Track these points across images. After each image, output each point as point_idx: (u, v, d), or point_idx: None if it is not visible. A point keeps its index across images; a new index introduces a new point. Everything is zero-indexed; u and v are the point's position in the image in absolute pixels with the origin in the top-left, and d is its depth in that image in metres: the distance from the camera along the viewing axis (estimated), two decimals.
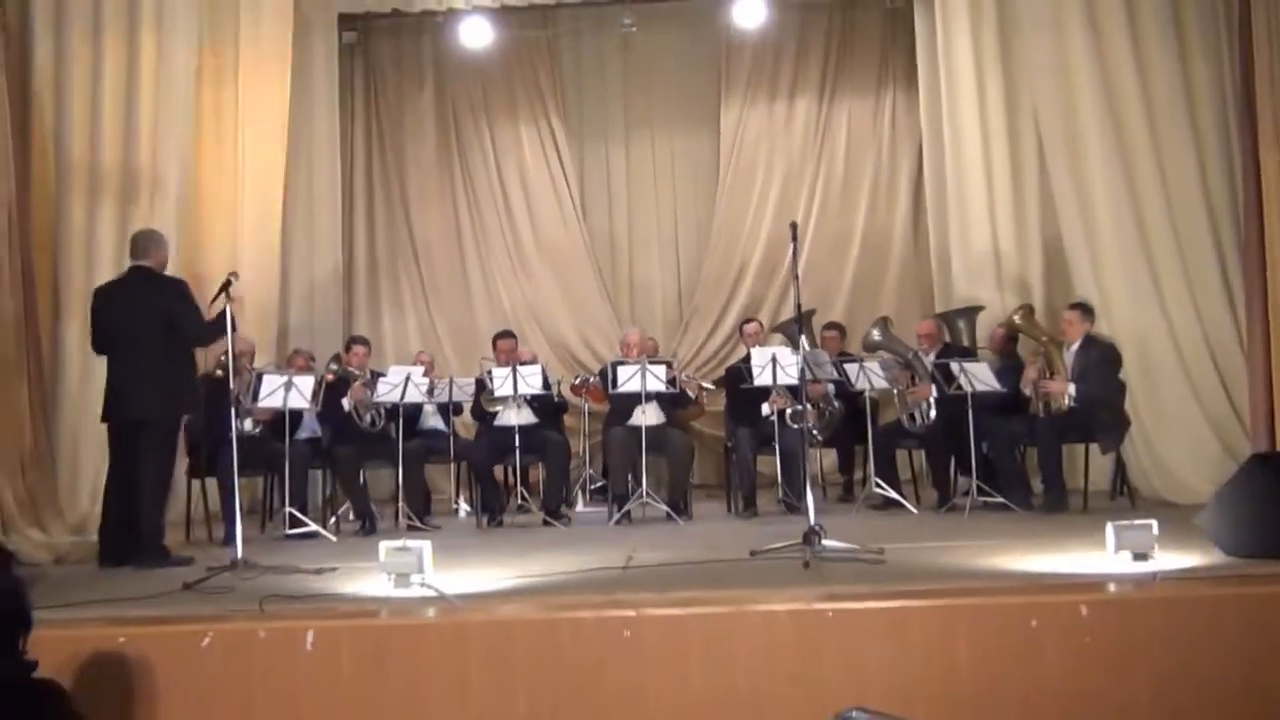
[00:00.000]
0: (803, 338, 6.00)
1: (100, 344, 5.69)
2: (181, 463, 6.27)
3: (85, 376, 6.42)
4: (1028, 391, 6.71)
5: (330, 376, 6.97)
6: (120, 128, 6.87)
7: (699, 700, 3.63)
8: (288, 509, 6.43)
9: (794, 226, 5.57)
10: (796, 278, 5.54)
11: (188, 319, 5.54)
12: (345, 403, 6.95)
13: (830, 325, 8.37)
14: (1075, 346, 6.66)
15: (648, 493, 6.71)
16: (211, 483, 6.57)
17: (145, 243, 5.71)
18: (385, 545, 4.29)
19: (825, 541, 4.80)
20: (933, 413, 6.92)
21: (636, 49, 9.96)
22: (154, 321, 5.49)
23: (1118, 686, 3.59)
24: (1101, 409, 6.48)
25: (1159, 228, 7.03)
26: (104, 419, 5.66)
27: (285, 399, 6.38)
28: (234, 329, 5.43)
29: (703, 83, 9.99)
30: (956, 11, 8.24)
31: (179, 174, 7.10)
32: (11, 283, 6.07)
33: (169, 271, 5.91)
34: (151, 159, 6.93)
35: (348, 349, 7.36)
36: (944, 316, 7.90)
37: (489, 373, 7.13)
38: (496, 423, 7.18)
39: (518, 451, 6.90)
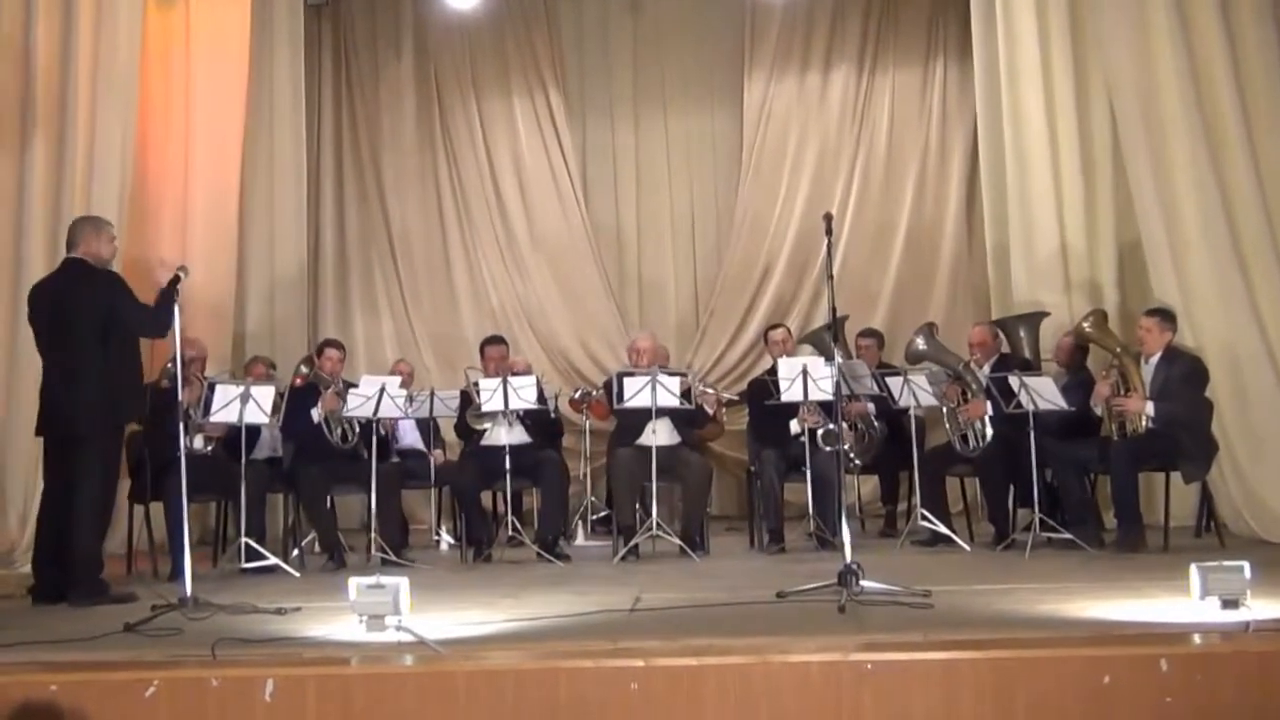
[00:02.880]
0: (837, 348, 6.01)
1: (39, 346, 5.75)
2: (123, 486, 6.30)
3: (12, 378, 6.46)
4: (1099, 411, 6.71)
5: (299, 380, 6.97)
6: (54, 96, 6.93)
7: None
8: (244, 539, 6.44)
9: (828, 218, 5.59)
10: (831, 277, 5.55)
11: (131, 309, 5.56)
12: (315, 413, 6.98)
13: (866, 332, 8.39)
14: (1155, 359, 6.65)
15: (658, 524, 6.71)
16: (157, 508, 6.58)
17: (75, 232, 5.75)
18: (356, 582, 4.30)
19: (864, 582, 4.81)
20: (988, 434, 6.93)
21: (647, 12, 10.01)
22: (88, 321, 5.52)
23: None
24: (1185, 431, 6.47)
25: (1252, 223, 7.01)
26: (38, 433, 5.71)
27: (241, 413, 6.39)
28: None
29: (724, 51, 10.04)
30: None
31: (120, 151, 7.14)
32: None
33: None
34: (89, 134, 6.98)
35: (320, 353, 7.39)
36: (1001, 323, 7.90)
37: (476, 384, 7.15)
38: (484, 442, 7.19)
39: (508, 475, 6.91)
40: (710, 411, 7.47)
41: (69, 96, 6.93)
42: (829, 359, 6.41)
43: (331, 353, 7.34)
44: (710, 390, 7.66)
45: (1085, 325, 7.15)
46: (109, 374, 5.53)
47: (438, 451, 7.81)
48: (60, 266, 5.77)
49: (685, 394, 6.93)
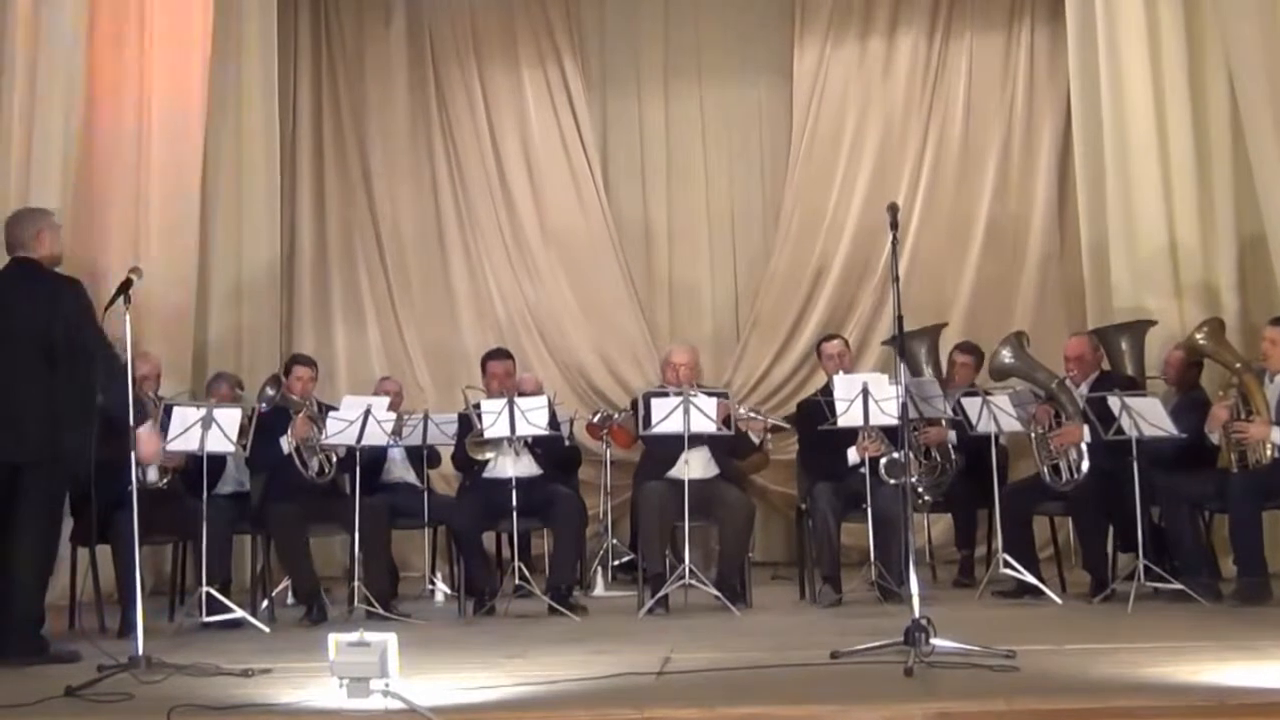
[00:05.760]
0: (902, 362, 5.98)
1: None
2: (65, 526, 6.33)
3: None
4: (1215, 438, 6.68)
5: (264, 407, 7.01)
6: None
7: None
8: (205, 588, 6.47)
9: (893, 210, 5.59)
10: (896, 280, 5.55)
11: (92, 339, 5.57)
12: (284, 443, 7.01)
13: (964, 346, 8.31)
14: None
15: (691, 571, 6.71)
16: (104, 551, 6.63)
17: (24, 227, 5.78)
18: (336, 639, 4.32)
19: (935, 640, 4.81)
20: (1084, 464, 6.90)
21: None
22: (39, 332, 5.56)
23: None
24: None
25: None
26: None
27: (203, 440, 6.43)
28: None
29: (771, 11, 10.06)
30: None
31: (63, 134, 7.20)
32: None
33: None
34: (28, 111, 7.04)
35: (287, 372, 7.42)
36: (1100, 334, 7.88)
37: (477, 406, 7.17)
38: (487, 474, 7.22)
39: (515, 513, 6.92)
40: (756, 440, 7.45)
41: (4, 67, 6.98)
42: (895, 375, 6.39)
43: (300, 371, 7.34)
44: (757, 416, 7.59)
45: (1198, 337, 7.13)
46: (62, 396, 5.53)
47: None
48: (4, 267, 5.78)
49: (725, 420, 6.93)
